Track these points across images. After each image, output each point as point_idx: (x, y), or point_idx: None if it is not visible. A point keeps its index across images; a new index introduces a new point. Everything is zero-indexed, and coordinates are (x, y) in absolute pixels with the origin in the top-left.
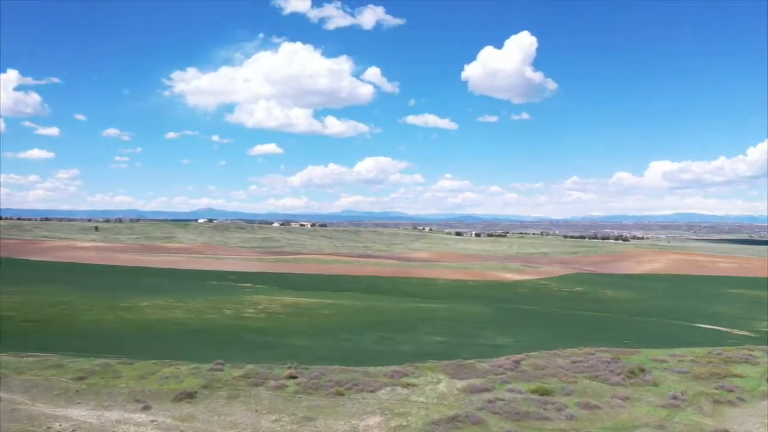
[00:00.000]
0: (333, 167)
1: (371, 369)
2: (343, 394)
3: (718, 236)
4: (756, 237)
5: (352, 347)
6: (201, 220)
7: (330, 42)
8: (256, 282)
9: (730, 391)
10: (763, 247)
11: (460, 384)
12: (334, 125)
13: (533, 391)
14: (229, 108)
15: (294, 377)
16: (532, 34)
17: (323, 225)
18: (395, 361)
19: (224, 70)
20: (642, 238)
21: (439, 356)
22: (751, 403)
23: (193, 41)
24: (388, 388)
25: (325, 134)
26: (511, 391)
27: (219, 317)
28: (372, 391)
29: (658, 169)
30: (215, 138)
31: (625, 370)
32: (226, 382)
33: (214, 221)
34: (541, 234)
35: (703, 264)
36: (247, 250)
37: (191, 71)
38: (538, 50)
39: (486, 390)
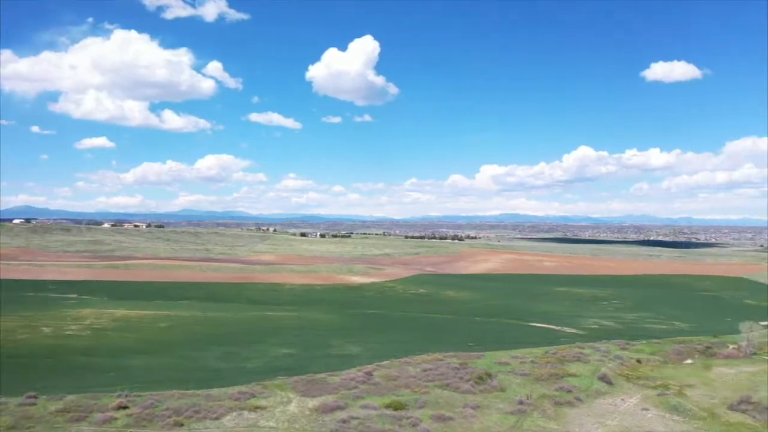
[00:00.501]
0: (171, 164)
1: (214, 391)
2: (182, 425)
3: (539, 235)
4: (570, 235)
5: (193, 366)
6: (17, 221)
7: (168, 32)
8: (82, 292)
9: (569, 391)
10: (578, 245)
11: (312, 403)
12: (173, 120)
13: (387, 406)
14: (53, 96)
15: (124, 407)
16: (375, 38)
17: (160, 226)
18: (241, 379)
19: (47, 55)
20: (475, 238)
21: (288, 371)
22: (587, 402)
23: (9, 20)
24: (234, 413)
25: (163, 129)
26: (365, 407)
27: (35, 337)
28: (216, 419)
29: (488, 172)
30: (35, 129)
31: (473, 376)
32: (40, 420)
33: (33, 222)
34: (384, 234)
35: (530, 263)
36: (72, 254)
37: (6, 54)
38: (381, 55)
39: (339, 408)
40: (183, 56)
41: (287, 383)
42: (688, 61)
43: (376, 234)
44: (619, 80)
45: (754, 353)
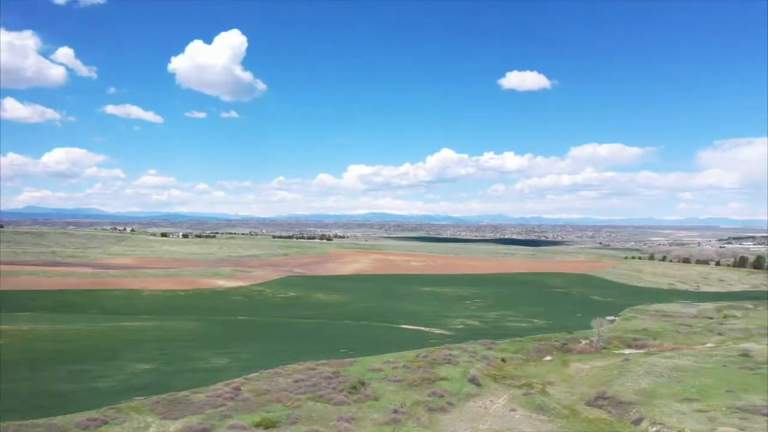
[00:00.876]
0: (13, 157)
1: (59, 420)
2: None
3: (404, 234)
4: (433, 234)
5: (34, 390)
6: None
7: (10, 12)
8: None
9: (441, 396)
10: (441, 244)
11: (173, 426)
12: (15, 109)
13: (257, 425)
14: None
15: None
16: (243, 33)
17: None
18: (92, 403)
19: None
20: (343, 237)
21: (147, 390)
22: (458, 406)
23: None
24: None
25: (4, 118)
26: (233, 427)
27: None
28: None
29: (355, 172)
30: None
31: (347, 386)
32: None
33: None
34: (251, 234)
35: (398, 263)
36: None
37: None
38: (249, 50)
39: (205, 431)
40: (28, 39)
41: (145, 405)
42: (540, 72)
43: (243, 234)
44: (479, 86)
45: (604, 348)
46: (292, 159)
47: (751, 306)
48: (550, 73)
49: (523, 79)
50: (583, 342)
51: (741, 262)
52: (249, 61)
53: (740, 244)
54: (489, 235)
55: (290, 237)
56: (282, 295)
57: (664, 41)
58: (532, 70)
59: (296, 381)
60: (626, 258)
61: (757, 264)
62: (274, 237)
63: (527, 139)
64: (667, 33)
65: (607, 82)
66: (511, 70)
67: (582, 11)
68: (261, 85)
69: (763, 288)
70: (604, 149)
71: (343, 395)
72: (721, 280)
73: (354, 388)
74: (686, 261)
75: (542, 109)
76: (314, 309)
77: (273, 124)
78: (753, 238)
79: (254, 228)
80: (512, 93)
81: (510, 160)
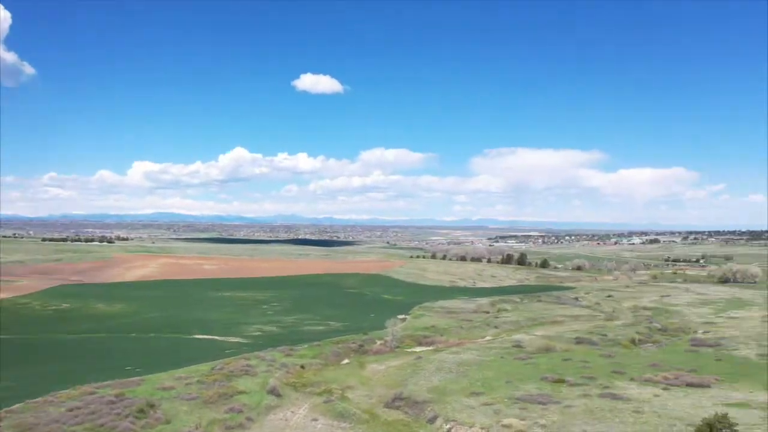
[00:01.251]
0: None
1: None
2: None
3: (195, 235)
4: (226, 235)
5: None
6: None
7: None
8: None
9: (240, 412)
10: (234, 245)
11: None
12: None
13: None
14: None
15: None
16: (6, 8)
17: None
18: None
19: None
20: (126, 239)
21: None
22: (258, 421)
23: None
24: None
25: None
26: None
27: None
28: None
29: (141, 169)
30: None
31: (133, 410)
32: None
33: None
34: (15, 236)
35: (189, 267)
36: None
37: None
38: (13, 28)
39: None
40: None
41: None
42: (333, 76)
43: (5, 236)
44: (273, 86)
45: (398, 347)
46: (66, 153)
47: (518, 300)
48: (342, 78)
49: (316, 82)
50: (378, 342)
51: (508, 259)
52: (13, 40)
53: (506, 243)
54: (283, 236)
55: (64, 239)
56: (54, 308)
57: (446, 55)
58: (325, 73)
59: (71, 409)
60: (412, 257)
61: (521, 260)
62: (43, 239)
63: (320, 141)
64: (449, 45)
65: (394, 89)
66: (305, 72)
67: (376, 18)
68: (29, 69)
69: (527, 282)
70: (391, 153)
71: (128, 421)
72: (493, 276)
73: (142, 411)
74: (463, 259)
75: (335, 112)
76: (94, 322)
77: (44, 113)
78: (516, 237)
79: (19, 229)
80: (306, 95)
81: (303, 161)
